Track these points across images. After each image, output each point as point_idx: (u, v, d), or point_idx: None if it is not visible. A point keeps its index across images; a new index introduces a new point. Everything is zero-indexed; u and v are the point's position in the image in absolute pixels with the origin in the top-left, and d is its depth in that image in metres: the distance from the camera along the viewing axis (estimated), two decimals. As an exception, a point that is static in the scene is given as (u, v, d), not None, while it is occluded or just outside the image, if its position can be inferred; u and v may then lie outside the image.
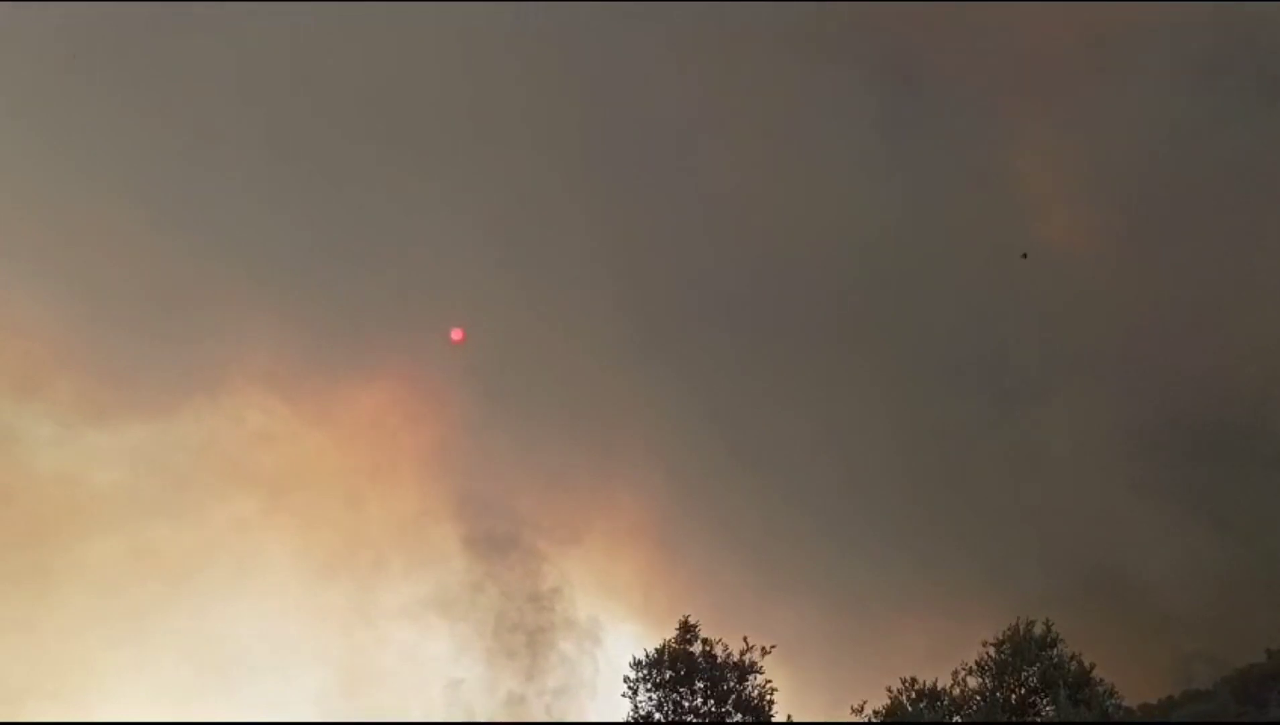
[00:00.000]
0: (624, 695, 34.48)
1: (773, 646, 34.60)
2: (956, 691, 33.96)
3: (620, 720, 34.63)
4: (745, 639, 34.66)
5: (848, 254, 76.79)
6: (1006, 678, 34.35)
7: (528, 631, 65.43)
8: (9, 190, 74.68)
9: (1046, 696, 33.91)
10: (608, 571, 69.44)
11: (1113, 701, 34.00)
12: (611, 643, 64.04)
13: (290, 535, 70.49)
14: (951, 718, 33.76)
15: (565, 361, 75.91)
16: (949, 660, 34.81)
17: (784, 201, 79.33)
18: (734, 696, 33.86)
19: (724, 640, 34.59)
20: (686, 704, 34.08)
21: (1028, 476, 69.79)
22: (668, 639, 34.78)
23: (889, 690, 34.55)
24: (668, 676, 34.12)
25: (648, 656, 34.61)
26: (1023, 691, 34.10)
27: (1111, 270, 77.41)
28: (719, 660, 34.30)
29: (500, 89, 79.72)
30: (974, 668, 34.58)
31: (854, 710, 34.73)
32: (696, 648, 34.50)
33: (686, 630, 34.76)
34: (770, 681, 34.52)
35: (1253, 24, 77.36)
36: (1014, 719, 33.98)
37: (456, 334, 76.88)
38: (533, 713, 62.92)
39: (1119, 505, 67.63)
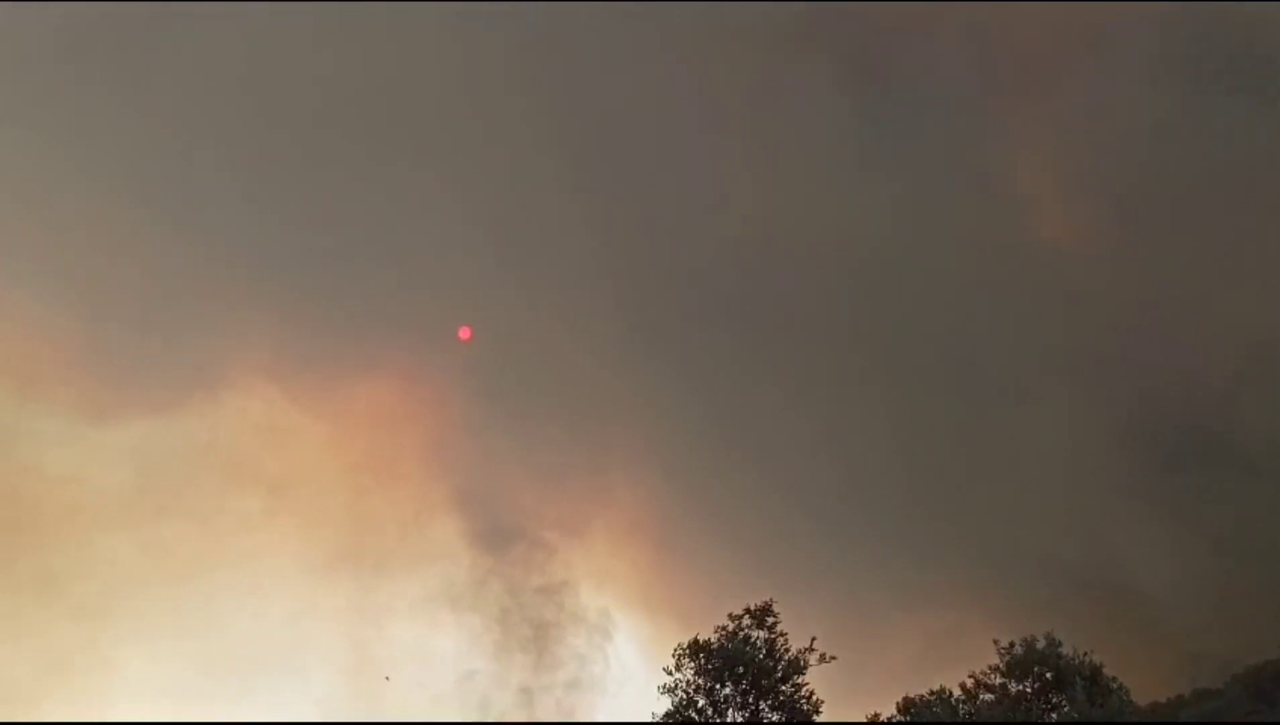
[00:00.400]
0: (665, 670, 33.93)
1: (833, 657, 33.90)
2: (971, 683, 33.75)
3: (638, 720, 34.17)
4: (813, 639, 34.01)
5: (846, 254, 76.87)
6: (1020, 678, 34.29)
7: (535, 625, 65.31)
8: (11, 191, 74.61)
9: (1061, 694, 33.78)
10: (609, 567, 69.38)
11: (1124, 696, 33.85)
12: (617, 636, 63.87)
13: (296, 532, 70.45)
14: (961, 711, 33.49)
15: (567, 360, 75.98)
16: (946, 657, 34.67)
17: (782, 202, 79.30)
18: (774, 696, 33.08)
19: (788, 635, 33.96)
20: (726, 691, 33.38)
21: (1023, 476, 69.57)
22: (732, 614, 34.02)
23: (904, 698, 34.30)
24: (713, 664, 33.38)
25: (698, 643, 33.98)
26: (1038, 686, 33.95)
27: (1109, 269, 77.37)
28: (777, 653, 33.71)
29: (502, 91, 79.71)
30: (984, 676, 34.47)
31: (868, 719, 34.46)
32: (761, 634, 33.86)
33: (767, 613, 34.13)
34: (809, 683, 33.80)
35: (1241, 24, 77.08)
36: (1030, 717, 33.76)
37: (464, 332, 77.03)
38: (543, 706, 62.66)
39: (1113, 506, 67.44)
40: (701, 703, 33.43)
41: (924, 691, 33.94)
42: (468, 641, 66.03)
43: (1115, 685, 33.89)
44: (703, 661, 33.62)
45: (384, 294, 77.08)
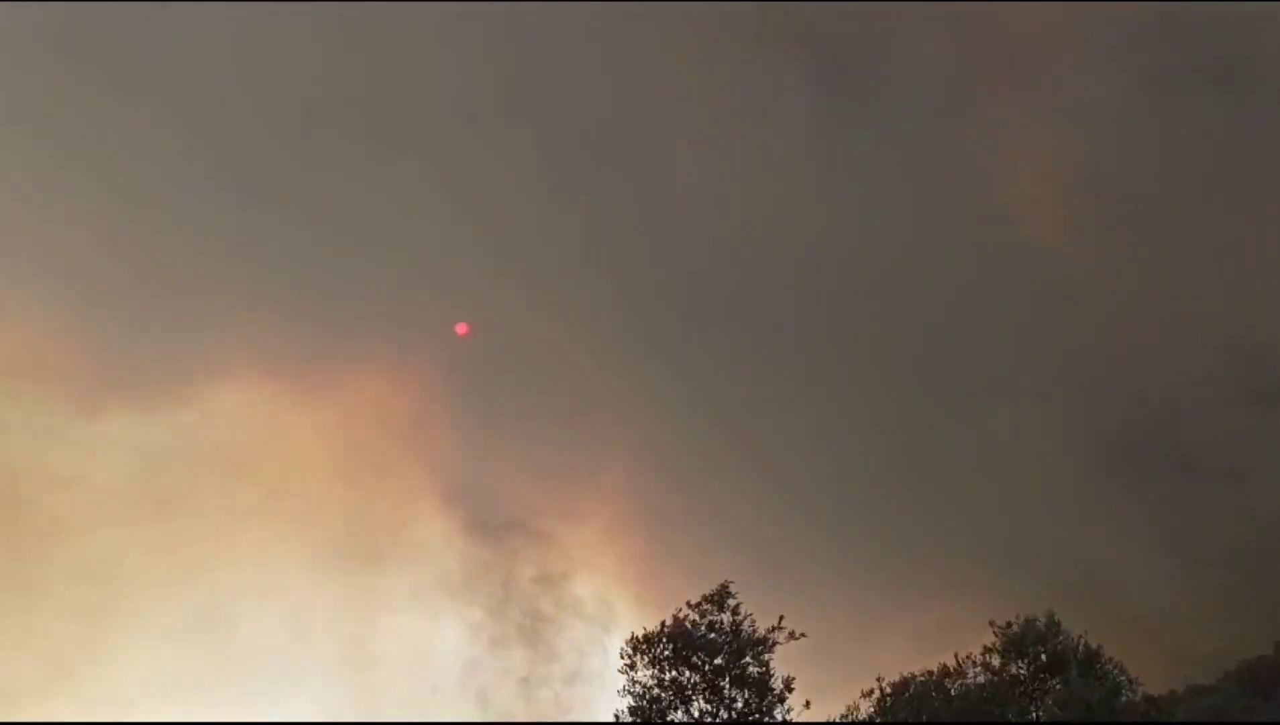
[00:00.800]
0: (620, 671, 33.30)
1: (802, 634, 33.30)
2: (955, 662, 33.69)
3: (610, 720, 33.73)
4: (780, 618, 33.35)
5: (840, 253, 77.09)
6: (1013, 659, 34.19)
7: (532, 617, 65.34)
8: (8, 189, 74.77)
9: (1055, 678, 33.66)
10: (606, 560, 69.53)
11: (1120, 677, 33.70)
12: (615, 629, 63.76)
13: (295, 527, 70.48)
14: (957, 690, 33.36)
15: (564, 357, 76.25)
16: (935, 653, 34.57)
17: (776, 202, 79.41)
18: (739, 671, 32.63)
19: (753, 615, 33.34)
20: (688, 679, 32.82)
21: (1012, 475, 69.63)
22: (690, 602, 33.48)
23: (878, 680, 34.17)
24: (666, 653, 32.86)
25: (650, 632, 33.30)
26: (1032, 669, 33.86)
27: (1100, 270, 77.43)
28: (743, 634, 33.10)
29: (500, 88, 79.99)
30: (980, 654, 34.43)
31: (863, 694, 34.31)
32: (726, 617, 33.37)
33: (725, 595, 33.56)
34: (774, 659, 33.26)
35: (1236, 23, 77.11)
36: (1022, 698, 33.72)
37: (461, 328, 77.38)
38: (542, 700, 62.58)
39: (1101, 506, 67.36)
40: (663, 696, 32.75)
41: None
42: (466, 634, 66.12)
43: (1113, 667, 33.81)
44: (658, 652, 32.94)
45: (382, 291, 77.36)
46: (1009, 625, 34.08)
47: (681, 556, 66.95)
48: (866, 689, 34.03)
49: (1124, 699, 33.40)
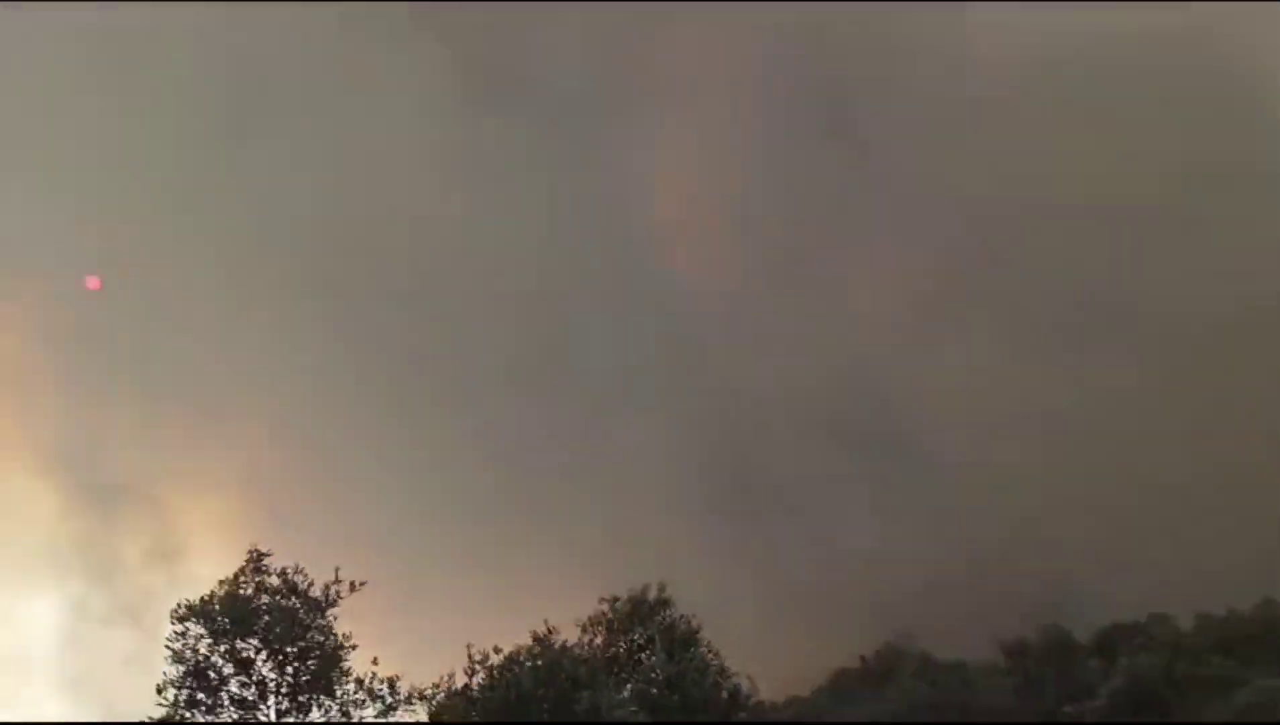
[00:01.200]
0: (168, 643, 30.68)
1: (363, 583, 31.87)
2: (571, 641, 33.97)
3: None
4: (337, 570, 31.61)
5: (487, 253, 76.64)
6: (618, 635, 34.91)
7: (141, 596, 60.38)
8: None
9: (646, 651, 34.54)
10: (227, 537, 65.51)
11: (706, 659, 34.82)
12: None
13: None
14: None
15: (205, 323, 71.50)
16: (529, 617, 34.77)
17: (422, 196, 77.92)
18: (300, 642, 30.72)
19: (305, 570, 31.55)
20: (251, 649, 30.80)
21: (620, 488, 70.89)
22: (232, 573, 31.31)
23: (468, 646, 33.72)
24: (225, 624, 30.61)
25: (199, 601, 31.02)
26: (633, 646, 34.67)
27: (723, 296, 79.86)
28: (300, 591, 31.30)
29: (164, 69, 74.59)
30: (588, 623, 34.98)
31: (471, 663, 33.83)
32: (274, 580, 31.33)
33: (258, 560, 31.51)
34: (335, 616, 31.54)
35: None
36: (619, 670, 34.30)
37: (93, 282, 70.83)
38: (145, 689, 57.61)
39: (697, 533, 69.66)
40: (218, 663, 30.82)
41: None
42: (63, 610, 60.43)
43: (706, 650, 34.36)
44: (212, 620, 30.85)
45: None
46: (616, 600, 34.61)
47: (311, 542, 64.07)
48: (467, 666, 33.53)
49: (711, 681, 34.32)
